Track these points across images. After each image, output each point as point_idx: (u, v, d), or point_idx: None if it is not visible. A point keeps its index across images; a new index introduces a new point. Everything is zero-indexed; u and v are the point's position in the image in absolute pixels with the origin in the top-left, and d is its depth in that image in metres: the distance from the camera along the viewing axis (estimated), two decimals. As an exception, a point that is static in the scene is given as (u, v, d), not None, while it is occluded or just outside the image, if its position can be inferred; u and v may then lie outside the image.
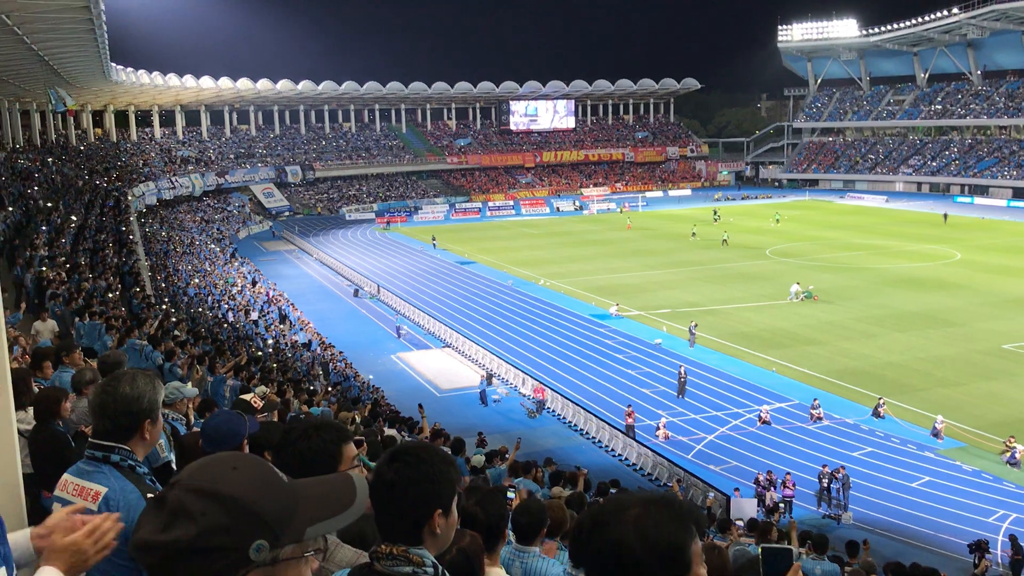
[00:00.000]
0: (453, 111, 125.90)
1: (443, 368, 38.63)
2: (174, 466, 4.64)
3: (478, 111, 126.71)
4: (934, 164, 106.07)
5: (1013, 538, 20.13)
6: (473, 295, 52.42)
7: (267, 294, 51.20)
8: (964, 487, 24.53)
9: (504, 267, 60.71)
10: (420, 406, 15.43)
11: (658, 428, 29.04)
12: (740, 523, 16.58)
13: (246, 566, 1.58)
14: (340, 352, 37.78)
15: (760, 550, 2.45)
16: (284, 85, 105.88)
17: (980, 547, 18.07)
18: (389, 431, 14.40)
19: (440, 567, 2.70)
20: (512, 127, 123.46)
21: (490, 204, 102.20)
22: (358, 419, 14.48)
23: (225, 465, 1.69)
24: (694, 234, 68.14)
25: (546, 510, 5.32)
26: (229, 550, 1.58)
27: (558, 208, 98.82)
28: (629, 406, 29.85)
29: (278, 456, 3.19)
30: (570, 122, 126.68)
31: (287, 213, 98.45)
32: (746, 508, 22.24)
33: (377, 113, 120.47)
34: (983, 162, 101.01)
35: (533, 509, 5.14)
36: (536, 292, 52.30)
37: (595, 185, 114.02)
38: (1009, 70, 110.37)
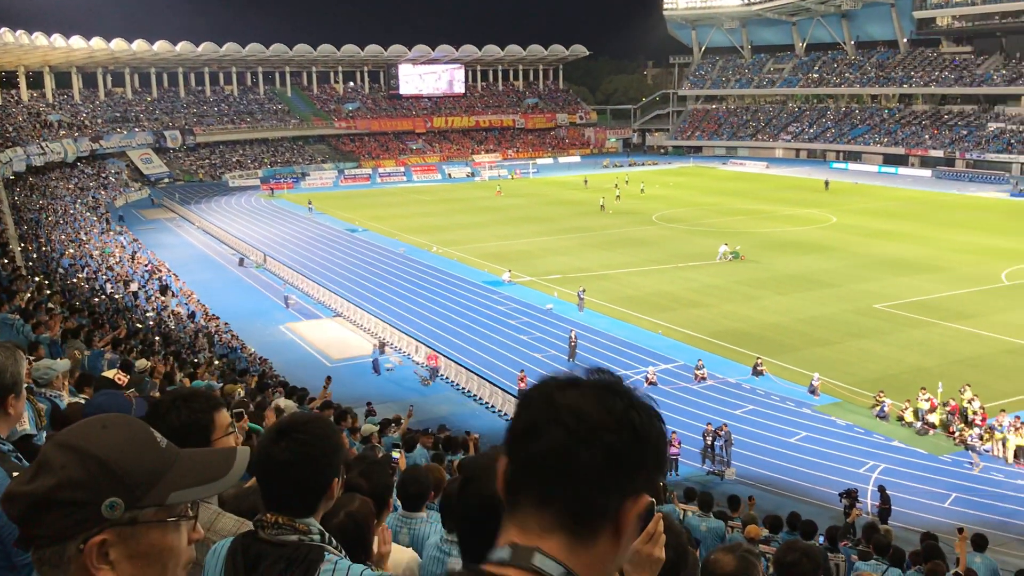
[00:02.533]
0: (340, 74, 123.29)
1: (334, 338, 38.19)
2: (40, 441, 4.49)
3: (366, 75, 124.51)
4: (811, 131, 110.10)
5: (882, 488, 21.36)
6: (364, 263, 51.86)
7: (147, 264, 49.41)
8: (838, 440, 25.83)
9: (396, 234, 60.21)
10: (328, 378, 15.35)
11: (550, 392, 29.44)
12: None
13: (100, 523, 1.59)
14: (226, 323, 36.87)
15: None
16: (161, 46, 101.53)
17: (851, 496, 19.12)
18: (286, 401, 14.19)
19: (327, 533, 2.72)
20: (402, 92, 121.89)
21: (380, 170, 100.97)
22: (241, 392, 14.20)
23: (97, 424, 1.70)
24: (603, 206, 68.30)
25: (430, 477, 5.38)
26: (83, 504, 1.59)
27: (450, 175, 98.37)
28: (522, 371, 30.22)
29: None
30: (460, 87, 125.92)
31: (167, 180, 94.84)
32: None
33: (260, 76, 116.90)
34: (856, 129, 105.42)
35: (420, 477, 5.19)
36: (429, 259, 52.12)
37: (487, 151, 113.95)
38: (880, 41, 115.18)
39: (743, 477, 23.85)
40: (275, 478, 2.66)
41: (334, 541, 2.73)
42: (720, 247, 49.15)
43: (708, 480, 23.66)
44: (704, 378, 30.60)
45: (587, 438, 1.42)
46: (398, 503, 5.19)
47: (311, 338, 38.08)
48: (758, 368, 30.86)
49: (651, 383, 30.33)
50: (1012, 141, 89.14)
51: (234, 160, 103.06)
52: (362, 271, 49.61)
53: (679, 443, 24.74)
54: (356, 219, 67.70)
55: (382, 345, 35.71)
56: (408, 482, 5.08)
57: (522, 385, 29.18)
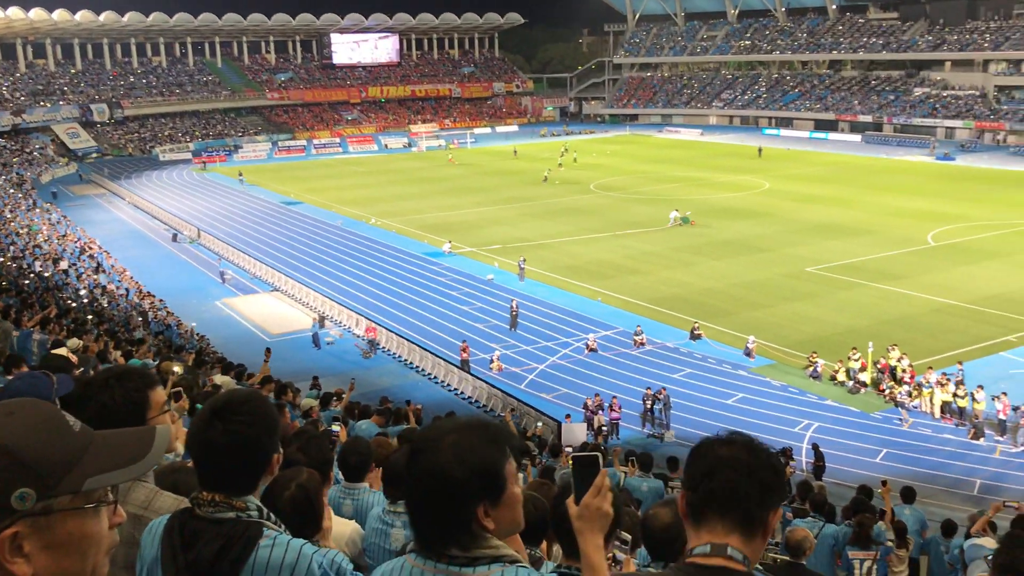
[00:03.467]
0: (272, 44, 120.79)
1: (272, 312, 37.78)
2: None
3: (299, 44, 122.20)
4: (744, 98, 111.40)
5: (815, 446, 22.01)
6: (301, 236, 51.24)
7: (77, 242, 48.12)
8: (773, 401, 26.49)
9: (333, 207, 59.55)
10: (268, 350, 15.16)
11: (492, 361, 29.64)
12: (569, 449, 17.28)
13: (11, 515, 1.53)
14: (160, 300, 36.19)
15: (571, 460, 2.64)
16: (84, 16, 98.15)
17: (785, 454, 19.65)
18: (223, 378, 14.02)
19: (265, 509, 2.72)
20: (335, 61, 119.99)
21: (315, 141, 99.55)
22: (178, 369, 13.98)
23: (2, 412, 1.63)
24: (546, 178, 68.02)
25: (372, 447, 5.41)
26: None
27: (386, 145, 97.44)
28: (464, 341, 30.30)
29: (81, 410, 2.94)
30: (395, 56, 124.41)
31: (95, 154, 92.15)
32: (577, 433, 23.23)
33: (190, 46, 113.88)
34: (788, 96, 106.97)
35: (360, 448, 5.21)
36: (367, 231, 51.71)
37: (423, 121, 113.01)
38: (810, 7, 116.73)
39: (682, 439, 24.33)
40: (212, 460, 2.64)
41: (272, 517, 2.73)
42: (671, 213, 49.86)
43: (648, 443, 24.08)
44: (643, 344, 31.03)
45: (748, 476, 2.24)
46: (340, 476, 5.22)
47: (249, 313, 37.60)
48: (695, 332, 31.40)
49: (592, 350, 30.67)
50: (936, 106, 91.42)
51: (164, 133, 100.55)
52: (299, 244, 49.02)
53: (620, 408, 25.11)
54: (292, 192, 66.76)
55: (321, 319, 35.45)
56: (349, 453, 5.10)
57: (464, 356, 29.28)
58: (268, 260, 44.68)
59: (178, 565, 2.59)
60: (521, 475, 8.48)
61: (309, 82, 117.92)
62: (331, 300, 37.27)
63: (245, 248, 47.50)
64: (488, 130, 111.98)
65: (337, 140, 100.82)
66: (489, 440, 2.30)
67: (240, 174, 74.20)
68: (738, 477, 2.22)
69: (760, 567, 4.71)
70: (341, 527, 4.37)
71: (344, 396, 16.68)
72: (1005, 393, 24.05)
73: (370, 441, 6.00)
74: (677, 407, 25.53)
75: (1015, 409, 23.64)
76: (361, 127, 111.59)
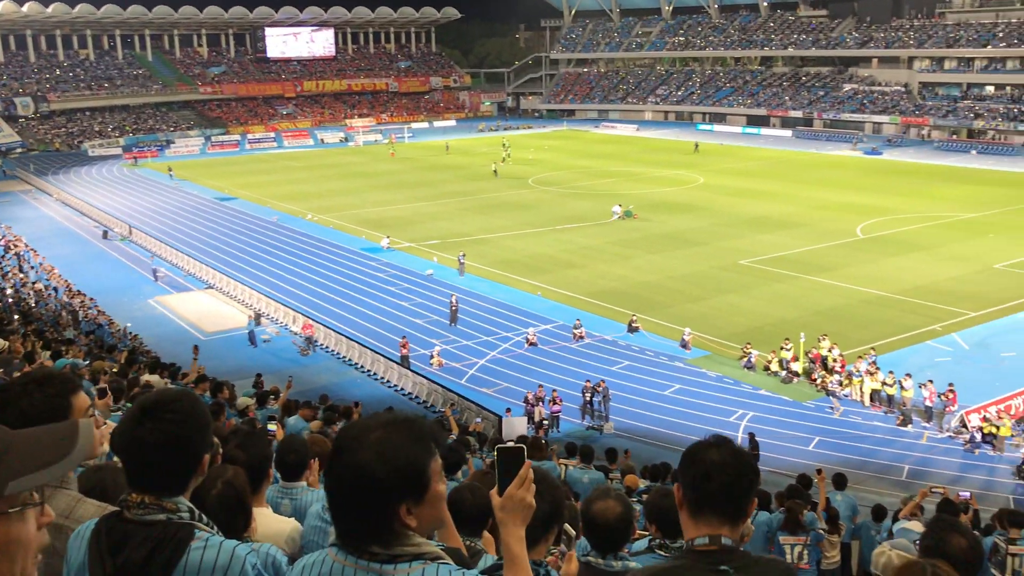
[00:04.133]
0: (204, 37, 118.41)
1: (207, 310, 37.12)
2: None
3: (231, 38, 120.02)
4: (679, 94, 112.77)
5: (751, 435, 22.45)
6: (236, 233, 50.42)
7: (1, 239, 46.64)
8: (709, 391, 26.94)
9: (268, 202, 58.71)
10: (195, 347, 14.83)
11: (432, 356, 29.58)
12: (511, 443, 17.34)
13: None
14: (91, 299, 35.28)
15: (495, 451, 2.64)
16: (6, 7, 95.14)
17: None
18: (150, 376, 13.75)
19: (196, 510, 2.67)
20: (269, 55, 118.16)
21: (249, 136, 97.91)
22: (111, 369, 13.70)
23: None
24: (496, 172, 68.03)
25: (309, 446, 5.36)
26: None
27: (323, 140, 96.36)
28: (403, 337, 30.16)
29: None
30: (330, 50, 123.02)
31: (20, 150, 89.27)
32: (517, 426, 23.31)
33: (119, 39, 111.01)
34: (721, 91, 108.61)
35: (298, 446, 5.17)
36: (304, 227, 51.11)
37: (360, 116, 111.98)
38: (742, 5, 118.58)
39: (621, 430, 24.62)
40: (142, 459, 2.56)
41: (204, 518, 2.68)
42: (613, 207, 50.27)
43: (588, 435, 24.31)
44: (582, 337, 31.27)
45: (739, 478, 2.70)
46: (278, 474, 5.17)
47: (183, 311, 36.89)
48: (633, 325, 31.76)
49: (532, 344, 30.79)
50: (864, 102, 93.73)
51: (93, 128, 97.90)
52: (234, 241, 48.25)
53: (561, 401, 25.27)
54: (226, 187, 65.63)
55: (257, 316, 34.97)
56: (286, 451, 5.05)
57: (404, 351, 29.15)
58: (202, 257, 43.88)
59: (106, 570, 2.52)
60: (464, 468, 8.49)
61: (243, 76, 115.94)
62: (267, 297, 36.77)
63: (178, 245, 46.58)
64: (426, 125, 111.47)
65: (272, 135, 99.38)
66: (414, 438, 2.29)
67: (169, 169, 72.84)
68: (731, 480, 2.68)
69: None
70: (280, 525, 4.34)
71: (282, 394, 16.50)
72: (931, 381, 24.83)
73: (307, 439, 5.96)
74: (616, 399, 25.81)
75: (941, 396, 24.43)
76: (296, 121, 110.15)
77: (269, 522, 4.19)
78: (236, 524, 3.33)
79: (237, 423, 10.20)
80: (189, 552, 2.54)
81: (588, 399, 25.49)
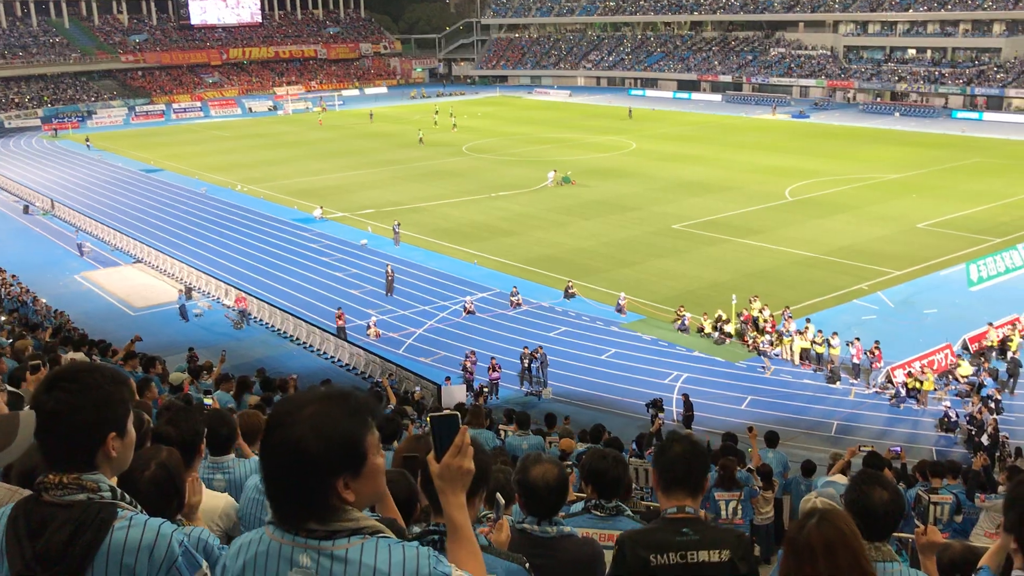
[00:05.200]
0: (124, 4, 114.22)
1: (136, 285, 36.28)
2: None
3: (153, 4, 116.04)
4: (611, 59, 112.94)
5: (685, 396, 22.87)
6: (164, 205, 49.24)
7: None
8: (644, 355, 27.32)
9: (196, 173, 57.38)
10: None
11: (369, 327, 29.41)
12: (446, 411, 17.38)
13: None
14: (13, 276, 34.19)
15: (428, 419, 2.64)
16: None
17: (656, 405, 20.34)
18: (74, 354, 13.41)
19: (119, 490, 2.61)
20: (193, 22, 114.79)
21: (175, 106, 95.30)
22: (30, 348, 13.32)
23: None
24: (421, 140, 67.43)
25: (234, 418, 5.31)
26: None
27: (251, 108, 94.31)
28: (339, 308, 29.91)
29: None
30: (256, 16, 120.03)
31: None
32: (456, 395, 23.37)
33: (32, 6, 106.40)
34: (652, 56, 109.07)
35: (228, 420, 5.12)
36: (233, 198, 50.14)
37: (288, 84, 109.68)
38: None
39: (559, 395, 24.86)
40: (43, 429, 2.51)
41: (127, 497, 2.62)
42: (548, 173, 50.39)
43: (527, 401, 24.51)
44: (519, 304, 31.39)
45: (697, 463, 3.76)
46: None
47: (111, 287, 36.00)
48: (569, 291, 31.98)
49: (469, 312, 30.82)
50: (792, 65, 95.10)
51: (9, 99, 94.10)
52: (162, 214, 47.11)
53: (499, 368, 25.39)
54: (152, 158, 63.92)
55: (188, 290, 34.32)
56: (216, 426, 4.99)
57: (340, 323, 28.92)
58: (129, 231, 42.77)
59: (25, 556, 2.45)
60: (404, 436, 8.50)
61: (166, 44, 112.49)
62: (198, 271, 36.08)
63: (104, 219, 45.32)
64: (357, 92, 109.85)
65: (198, 104, 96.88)
66: (349, 411, 2.26)
67: (87, 140, 70.87)
68: (689, 466, 3.77)
69: (634, 514, 4.92)
70: (213, 501, 4.29)
71: (215, 368, 16.26)
72: (858, 339, 25.57)
73: (240, 413, 5.90)
74: (554, 364, 26.02)
75: (867, 353, 25.18)
76: (223, 90, 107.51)
77: (202, 500, 4.15)
78: (169, 506, 3.28)
79: (170, 399, 10.03)
80: (112, 532, 2.49)
81: (526, 365, 25.65)
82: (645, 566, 3.63)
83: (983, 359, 25.84)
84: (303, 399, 2.28)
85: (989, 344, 26.32)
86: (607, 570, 3.92)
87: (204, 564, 2.64)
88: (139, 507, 2.64)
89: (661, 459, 3.85)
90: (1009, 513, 2.96)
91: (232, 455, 5.01)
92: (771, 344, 26.87)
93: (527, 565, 3.32)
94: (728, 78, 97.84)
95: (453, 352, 27.45)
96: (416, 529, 3.20)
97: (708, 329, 28.25)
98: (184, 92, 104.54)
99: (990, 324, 26.90)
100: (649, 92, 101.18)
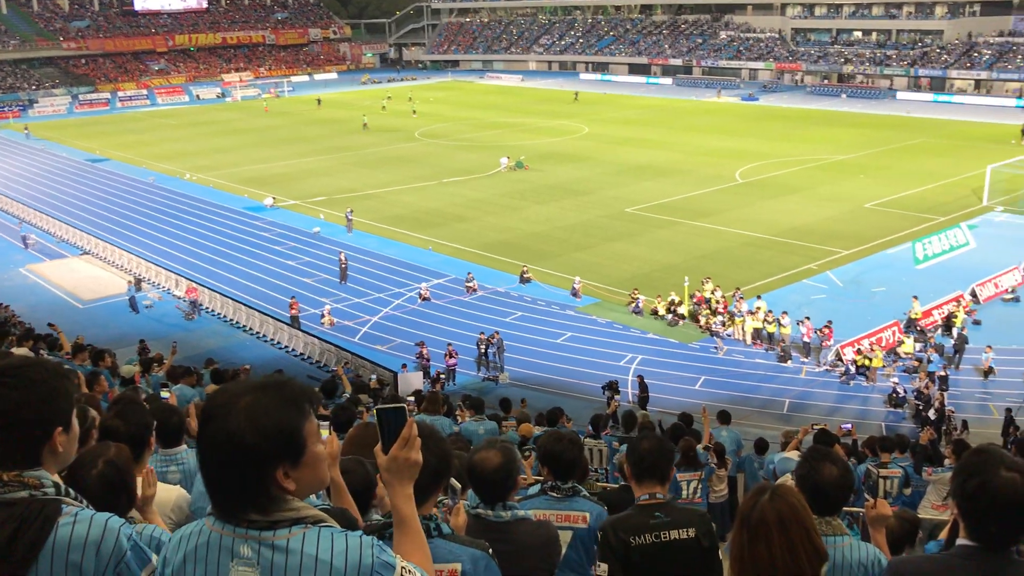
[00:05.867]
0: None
1: (83, 277, 35.57)
2: None
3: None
4: (562, 43, 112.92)
5: (640, 378, 23.07)
6: (111, 196, 48.29)
7: None
8: (600, 337, 27.50)
9: (144, 163, 56.34)
10: (50, 324, 14.29)
11: (323, 316, 29.20)
12: (411, 399, 17.35)
13: None
14: (-45, 270, 33.37)
15: (375, 412, 2.63)
16: None
17: (612, 387, 20.52)
18: (18, 348, 13.14)
19: (63, 486, 2.56)
20: (137, 8, 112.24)
21: (120, 94, 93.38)
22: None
23: None
24: (365, 125, 66.99)
25: (183, 412, 5.26)
26: None
27: (198, 96, 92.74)
28: (293, 297, 29.64)
29: None
30: (203, 2, 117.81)
31: None
32: (413, 382, 23.32)
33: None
34: (603, 40, 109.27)
35: (177, 410, 5.07)
36: (182, 187, 49.34)
37: (236, 70, 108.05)
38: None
39: (516, 380, 24.94)
40: None
41: (72, 492, 2.57)
42: (501, 159, 50.36)
43: (484, 386, 24.55)
44: (475, 290, 31.39)
45: (663, 455, 4.43)
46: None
47: (57, 279, 35.25)
48: (524, 276, 32.05)
49: (424, 299, 30.74)
50: (740, 48, 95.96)
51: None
52: (109, 204, 46.21)
53: (456, 354, 25.38)
54: (97, 148, 62.56)
55: (138, 281, 33.76)
56: (165, 418, 4.94)
57: (294, 312, 28.67)
58: (76, 222, 41.89)
59: None
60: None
61: (110, 31, 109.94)
62: (147, 261, 35.49)
63: (49, 210, 44.31)
64: (306, 78, 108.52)
65: (144, 92, 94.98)
66: (286, 400, 2.24)
67: (26, 129, 69.51)
68: (657, 458, 4.42)
69: (591, 495, 4.97)
70: (166, 493, 4.25)
71: (166, 360, 16.04)
72: (808, 318, 26.00)
73: (191, 404, 5.84)
74: (510, 349, 26.09)
75: (817, 332, 25.61)
76: (170, 77, 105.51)
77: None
78: (118, 504, 3.22)
79: (120, 392, 9.88)
80: (57, 529, 2.44)
81: (483, 351, 25.68)
82: (627, 547, 4.20)
83: (928, 335, 26.43)
84: (238, 390, 2.25)
85: (913, 315, 26.86)
86: (561, 553, 3.96)
87: (154, 558, 2.60)
88: (86, 503, 2.60)
89: (632, 454, 4.49)
90: (954, 481, 3.05)
91: (184, 447, 4.96)
92: (723, 325, 27.20)
93: (490, 551, 3.34)
94: (678, 61, 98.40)
95: (409, 339, 27.37)
96: (378, 517, 3.20)
97: (662, 311, 28.51)
98: (129, 80, 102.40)
99: (915, 297, 27.51)
100: (601, 76, 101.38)
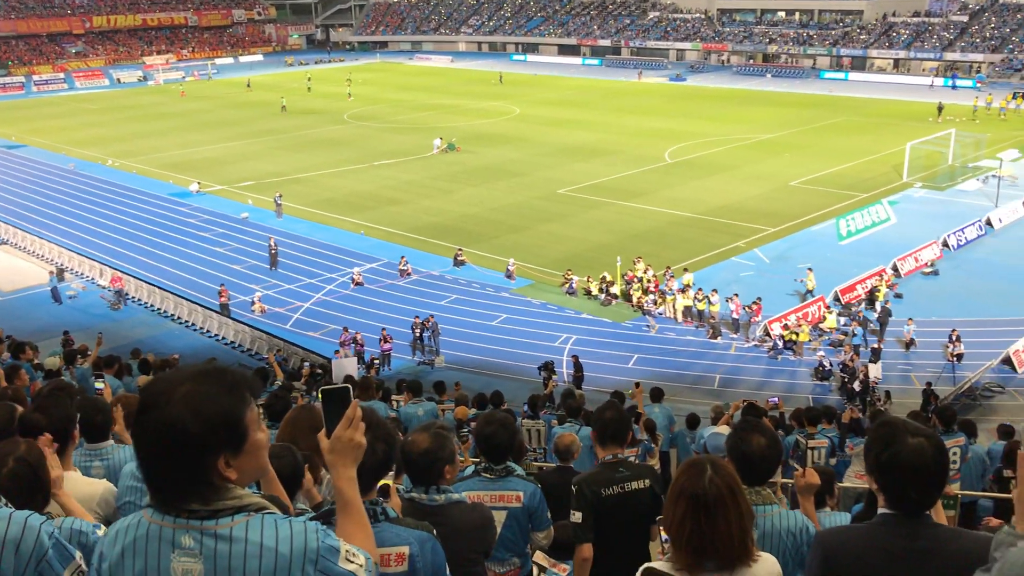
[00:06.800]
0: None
1: (2, 268, 34.43)
2: None
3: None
4: (491, 24, 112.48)
5: (575, 358, 23.27)
6: (28, 183, 46.70)
7: None
8: (535, 319, 27.65)
9: (62, 148, 54.58)
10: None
11: (253, 303, 28.76)
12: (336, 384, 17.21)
13: None
14: None
15: (320, 392, 2.62)
16: None
17: (548, 368, 20.67)
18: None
19: None
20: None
21: (35, 78, 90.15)
22: None
23: None
24: (284, 107, 65.97)
25: (109, 406, 5.15)
26: None
27: (119, 79, 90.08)
28: (222, 284, 29.12)
29: None
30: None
31: None
32: (348, 367, 23.13)
33: None
34: (532, 21, 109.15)
35: (102, 405, 4.95)
36: (104, 174, 47.96)
37: (158, 53, 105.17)
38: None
39: (453, 363, 24.95)
40: None
41: None
42: (435, 140, 50.13)
43: (420, 370, 24.50)
44: (409, 273, 31.23)
45: (623, 423, 5.32)
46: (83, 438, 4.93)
47: (-27, 272, 34.06)
48: (458, 259, 32.00)
49: (358, 283, 30.49)
50: (668, 29, 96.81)
51: None
52: (27, 192, 44.68)
53: (391, 339, 25.25)
54: (12, 134, 60.37)
55: (60, 271, 32.81)
56: (91, 412, 4.82)
57: (223, 299, 28.18)
58: (-10, 211, 40.48)
59: None
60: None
61: (21, 11, 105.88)
62: (70, 251, 34.47)
63: (-39, 199, 42.71)
64: (231, 60, 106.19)
65: (61, 75, 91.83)
66: (226, 387, 2.22)
67: None
68: (617, 425, 5.26)
69: (530, 475, 5.04)
70: (90, 488, 4.15)
71: (91, 352, 15.63)
72: (737, 295, 26.50)
73: (120, 396, 5.71)
74: (446, 332, 26.07)
75: (746, 308, 26.14)
76: (88, 60, 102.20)
77: (78, 487, 4.00)
78: (34, 501, 3.14)
79: (43, 385, 9.61)
80: None
81: (418, 335, 25.61)
82: (598, 498, 5.06)
83: (852, 309, 27.18)
84: (177, 378, 2.22)
85: (809, 288, 27.61)
86: (496, 534, 3.99)
87: (78, 555, 2.55)
88: (5, 502, 2.53)
89: (597, 423, 5.35)
90: (867, 456, 3.16)
91: (111, 442, 4.85)
92: (655, 303, 27.57)
93: (435, 532, 3.41)
94: (607, 42, 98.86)
95: (343, 324, 27.13)
96: (302, 506, 3.18)
97: (595, 291, 28.77)
98: (45, 63, 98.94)
99: (810, 269, 28.21)
100: (531, 57, 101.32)
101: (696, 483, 2.92)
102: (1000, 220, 35.12)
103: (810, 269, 28.26)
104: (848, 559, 3.15)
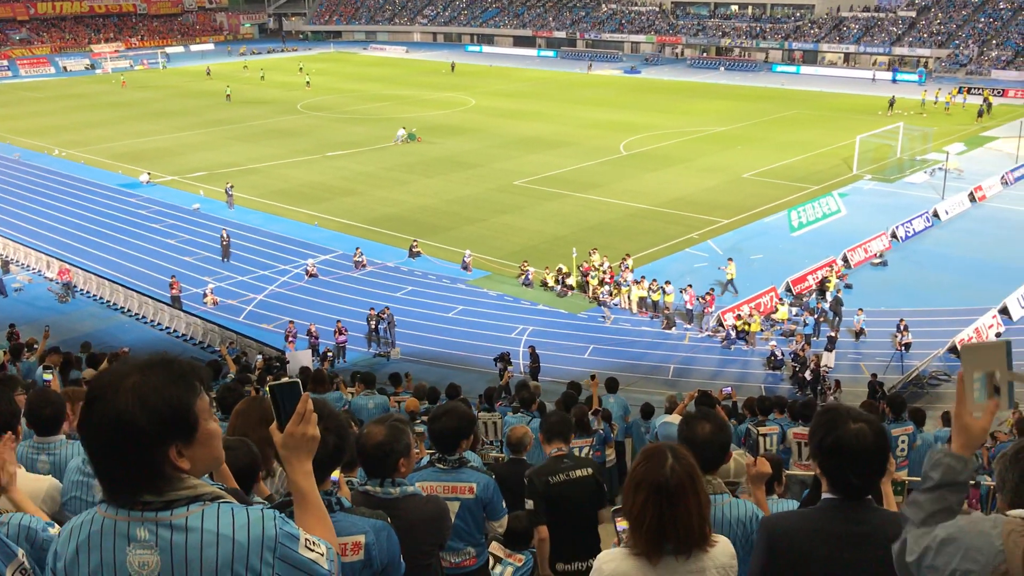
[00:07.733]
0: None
1: (-56, 261, 33.55)
2: None
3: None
4: (446, 15, 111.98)
5: (531, 348, 23.34)
6: (-30, 173, 45.56)
7: None
8: (491, 310, 27.66)
9: (7, 138, 53.29)
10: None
11: (205, 295, 28.38)
12: (297, 379, 17.09)
13: None
14: None
15: (268, 388, 2.60)
16: None
17: (504, 359, 20.70)
18: None
19: None
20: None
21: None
22: None
23: None
24: (228, 96, 65.26)
25: (62, 397, 5.06)
26: None
27: (65, 68, 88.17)
28: (173, 276, 28.69)
29: None
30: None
31: None
32: (302, 359, 22.94)
33: None
34: (487, 12, 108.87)
35: (52, 398, 4.87)
36: (51, 164, 46.92)
37: (106, 41, 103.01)
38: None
39: (409, 355, 24.87)
40: None
41: None
42: (398, 131, 49.93)
43: (375, 362, 24.38)
44: (364, 265, 31.04)
45: (566, 422, 6.41)
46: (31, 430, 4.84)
47: (-87, 264, 33.14)
48: (414, 250, 31.88)
49: (312, 275, 30.24)
50: (623, 22, 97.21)
51: None
52: (-31, 183, 43.60)
53: (346, 331, 25.10)
54: (-47, 123, 58.87)
55: (5, 263, 32.09)
56: (41, 405, 4.73)
57: (174, 291, 27.77)
58: (-69, 202, 39.41)
59: None
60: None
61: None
62: (15, 242, 33.71)
63: (-100, 190, 41.53)
64: (181, 49, 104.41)
65: (5, 63, 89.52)
66: (174, 377, 2.20)
67: None
68: (564, 426, 6.19)
69: (481, 466, 5.05)
70: (37, 483, 4.08)
71: (38, 345, 15.32)
72: (691, 285, 26.75)
73: (68, 390, 5.61)
74: (401, 324, 25.96)
75: (700, 299, 26.40)
76: (33, 48, 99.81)
77: (22, 482, 3.93)
78: None
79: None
80: None
81: (373, 327, 25.47)
82: (547, 486, 5.82)
83: (803, 300, 27.59)
84: (124, 369, 2.19)
85: (730, 278, 28.06)
86: (451, 526, 4.02)
87: (20, 552, 2.51)
88: None
89: (545, 422, 6.23)
90: (811, 440, 3.23)
91: (61, 436, 4.76)
92: (610, 294, 27.74)
93: (389, 520, 3.44)
94: (562, 34, 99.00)
95: (296, 317, 26.89)
96: (258, 500, 3.16)
97: (551, 283, 28.85)
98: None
99: (730, 259, 28.65)
100: (486, 48, 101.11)
101: (658, 471, 2.96)
102: (947, 212, 35.87)
103: (730, 259, 28.68)
104: (792, 543, 3.23)
